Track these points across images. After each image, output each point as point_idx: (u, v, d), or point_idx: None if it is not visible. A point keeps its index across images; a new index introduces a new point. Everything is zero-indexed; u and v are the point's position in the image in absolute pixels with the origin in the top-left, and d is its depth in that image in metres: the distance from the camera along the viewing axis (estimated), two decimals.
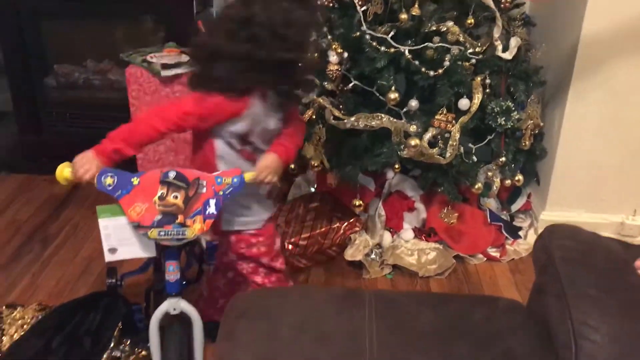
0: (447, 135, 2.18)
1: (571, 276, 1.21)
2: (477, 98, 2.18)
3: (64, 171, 1.45)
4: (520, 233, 2.58)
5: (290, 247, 2.21)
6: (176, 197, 1.40)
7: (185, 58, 2.44)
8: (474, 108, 2.17)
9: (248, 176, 1.46)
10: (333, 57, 2.28)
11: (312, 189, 2.75)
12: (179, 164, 2.52)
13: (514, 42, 2.32)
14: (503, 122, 2.28)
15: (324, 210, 2.39)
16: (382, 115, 2.22)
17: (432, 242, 2.38)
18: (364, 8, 2.26)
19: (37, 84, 2.87)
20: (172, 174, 1.42)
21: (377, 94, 2.26)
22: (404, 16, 2.14)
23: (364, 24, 2.24)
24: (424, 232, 2.41)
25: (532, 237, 2.57)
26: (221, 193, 1.42)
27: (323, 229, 2.29)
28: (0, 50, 2.84)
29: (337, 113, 2.30)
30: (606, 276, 1.20)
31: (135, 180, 1.42)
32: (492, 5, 2.19)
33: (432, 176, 2.29)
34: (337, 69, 2.26)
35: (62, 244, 2.43)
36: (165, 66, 2.33)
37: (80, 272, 2.26)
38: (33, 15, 2.77)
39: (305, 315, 1.31)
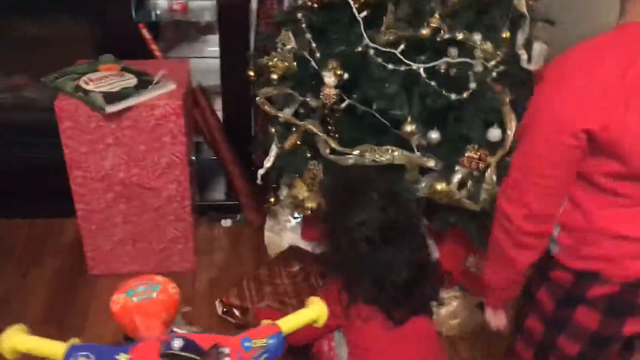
0: (476, 173, 1.79)
1: None
2: (511, 128, 1.78)
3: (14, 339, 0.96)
4: None
5: None
6: None
7: (129, 78, 1.89)
8: (510, 141, 1.77)
9: (288, 326, 1.01)
10: (330, 79, 1.81)
11: (297, 218, 2.29)
12: (131, 212, 1.99)
13: (538, 48, 1.91)
14: None
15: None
16: (393, 148, 1.79)
17: (450, 289, 2.01)
18: (364, 14, 1.79)
19: None
20: (177, 344, 0.95)
21: (381, 118, 1.82)
22: (425, 31, 1.68)
23: (365, 35, 1.77)
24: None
25: None
26: None
27: None
28: None
29: (334, 144, 1.86)
30: None
31: (121, 359, 0.94)
32: (524, 10, 1.77)
33: (454, 220, 1.89)
34: (334, 94, 1.80)
35: None
36: (109, 97, 1.77)
37: None
38: None
39: None
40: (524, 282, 1.31)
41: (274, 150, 2.09)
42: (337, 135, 1.91)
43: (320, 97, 1.85)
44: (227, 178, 2.36)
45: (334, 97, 1.80)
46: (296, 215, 2.34)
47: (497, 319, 1.40)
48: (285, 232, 2.30)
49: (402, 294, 1.31)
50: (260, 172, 2.10)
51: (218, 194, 2.46)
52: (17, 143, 2.33)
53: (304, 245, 2.26)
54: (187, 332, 1.10)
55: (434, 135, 1.78)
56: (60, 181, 2.04)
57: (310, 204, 1.96)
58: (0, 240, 2.27)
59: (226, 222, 2.38)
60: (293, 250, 2.21)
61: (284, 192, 2.24)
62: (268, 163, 2.09)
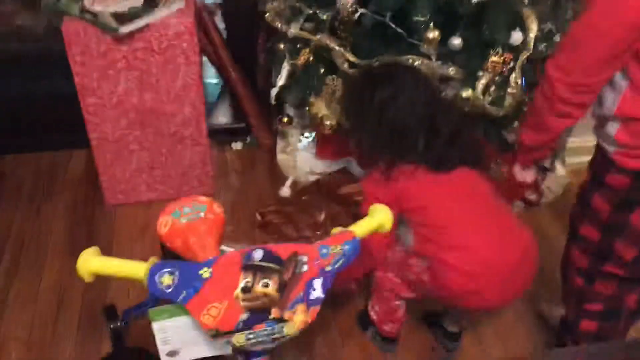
0: (498, 78, 1.78)
1: None
2: (532, 29, 1.75)
3: (92, 262, 0.95)
4: (546, 164, 2.30)
5: None
6: (267, 285, 0.95)
7: None
8: (531, 42, 1.75)
9: (361, 230, 1.02)
10: None
11: (308, 137, 2.26)
12: (147, 138, 1.95)
13: None
14: (543, 49, 1.89)
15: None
16: (414, 57, 1.76)
17: None
18: None
19: None
20: (257, 255, 0.95)
21: (396, 27, 1.78)
22: None
23: None
24: None
25: (560, 169, 2.31)
26: (329, 268, 0.98)
27: None
28: None
29: (352, 58, 1.82)
30: None
31: (205, 273, 0.94)
32: None
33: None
34: (351, 3, 1.75)
35: (12, 270, 1.86)
36: (120, 17, 1.69)
37: (56, 309, 1.74)
38: None
39: None
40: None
41: (285, 68, 2.04)
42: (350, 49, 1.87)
43: (338, 6, 1.80)
44: (233, 99, 2.31)
45: (351, 7, 1.75)
46: (306, 134, 2.32)
47: (525, 175, 1.49)
48: (297, 152, 2.29)
49: (444, 148, 1.38)
50: (274, 91, 2.06)
51: (223, 117, 2.42)
52: (13, 75, 2.23)
53: (319, 164, 2.25)
54: (237, 249, 1.10)
55: (456, 41, 1.75)
56: (64, 112, 1.98)
57: (330, 122, 1.93)
58: (8, 177, 2.22)
59: (236, 145, 2.36)
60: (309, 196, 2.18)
61: (291, 112, 2.21)
62: (280, 81, 2.05)
